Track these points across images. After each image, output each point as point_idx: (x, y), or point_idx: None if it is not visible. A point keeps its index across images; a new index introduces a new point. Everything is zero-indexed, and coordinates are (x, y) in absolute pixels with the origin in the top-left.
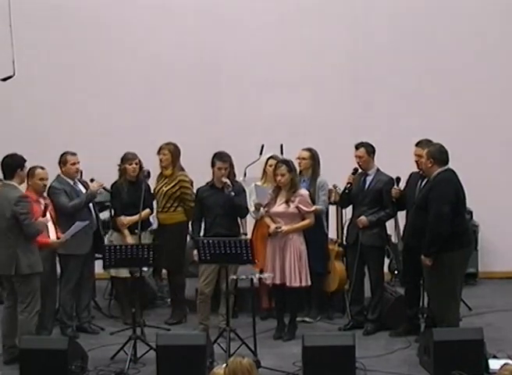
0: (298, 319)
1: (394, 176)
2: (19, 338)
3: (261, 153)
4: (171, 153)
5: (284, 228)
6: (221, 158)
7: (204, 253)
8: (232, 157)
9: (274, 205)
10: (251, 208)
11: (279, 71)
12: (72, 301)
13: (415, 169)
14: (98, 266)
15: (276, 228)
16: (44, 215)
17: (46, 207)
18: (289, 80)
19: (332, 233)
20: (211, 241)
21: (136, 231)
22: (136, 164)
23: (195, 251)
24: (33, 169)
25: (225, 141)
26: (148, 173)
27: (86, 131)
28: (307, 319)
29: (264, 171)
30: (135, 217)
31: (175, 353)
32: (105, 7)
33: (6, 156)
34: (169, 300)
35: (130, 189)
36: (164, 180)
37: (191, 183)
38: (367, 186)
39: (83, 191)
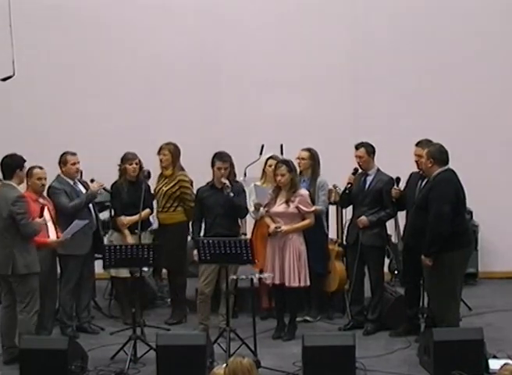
0: (299, 318)
1: (394, 176)
2: (19, 338)
3: (261, 153)
4: (171, 153)
5: (283, 228)
6: (221, 158)
7: (204, 253)
8: (232, 157)
9: (274, 205)
10: (251, 209)
11: (279, 71)
12: (72, 301)
13: (415, 169)
14: (98, 266)
15: (276, 228)
16: (40, 215)
17: (42, 208)
18: (289, 80)
19: (332, 233)
20: (211, 241)
21: (136, 231)
22: (136, 164)
23: (195, 251)
24: (31, 169)
25: (225, 141)
26: (148, 173)
27: (86, 131)
28: (307, 318)
29: (264, 171)
30: (135, 217)
31: (175, 353)
32: (105, 7)
33: (6, 156)
34: (169, 300)
35: (130, 189)
36: (164, 180)
37: (191, 183)
38: (367, 186)
39: (83, 191)
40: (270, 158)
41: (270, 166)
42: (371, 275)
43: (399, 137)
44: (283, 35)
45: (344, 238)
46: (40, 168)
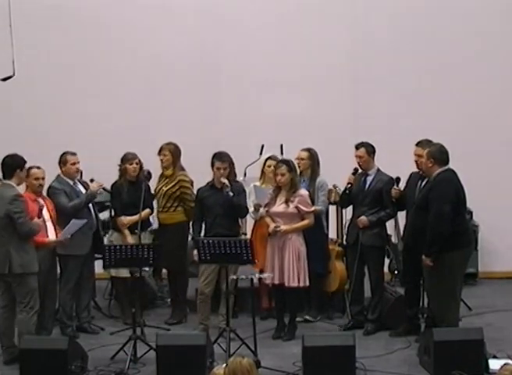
0: (299, 318)
1: (394, 176)
2: (19, 338)
3: (261, 153)
4: (171, 153)
5: (283, 228)
6: (220, 159)
7: (204, 253)
8: (232, 157)
9: (274, 205)
10: (250, 209)
11: (279, 71)
12: (72, 301)
13: (415, 169)
14: (98, 266)
15: (275, 228)
16: (39, 216)
17: (41, 209)
18: (289, 80)
19: (332, 233)
20: (211, 241)
21: (136, 231)
22: (136, 164)
23: (195, 251)
24: (29, 169)
25: (225, 141)
26: (148, 172)
27: (86, 131)
28: (307, 317)
29: (263, 172)
30: (135, 217)
31: (175, 353)
32: (105, 7)
33: (7, 156)
34: (169, 300)
35: (130, 189)
36: (164, 180)
37: (191, 183)
38: (367, 186)
39: (83, 191)
40: (269, 158)
41: (269, 166)
42: (371, 275)
43: (399, 137)
44: (283, 35)
45: (344, 238)
46: (38, 168)
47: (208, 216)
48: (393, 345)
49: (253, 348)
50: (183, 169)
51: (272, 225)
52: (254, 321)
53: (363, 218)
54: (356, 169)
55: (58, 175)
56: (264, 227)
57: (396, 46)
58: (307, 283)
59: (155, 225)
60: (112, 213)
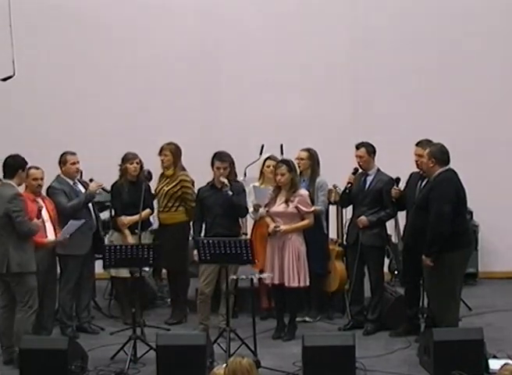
0: (298, 319)
1: (394, 176)
2: (16, 337)
3: (261, 153)
4: (172, 153)
5: (282, 228)
6: (220, 158)
7: (204, 253)
8: (232, 156)
9: (274, 205)
10: (250, 209)
11: (279, 71)
12: (72, 301)
13: (415, 169)
14: (98, 266)
15: (275, 228)
16: (38, 216)
17: (40, 209)
18: (289, 80)
19: (332, 233)
20: (211, 241)
21: (136, 231)
22: (137, 163)
23: (195, 251)
24: (28, 169)
25: (225, 141)
26: (149, 172)
27: (86, 131)
28: (307, 318)
29: (262, 172)
30: (135, 217)
31: (175, 353)
32: (105, 7)
33: (9, 156)
34: (169, 300)
35: (131, 189)
36: (165, 180)
37: (192, 183)
38: (367, 186)
39: (83, 191)
40: (268, 158)
41: (268, 166)
42: (371, 275)
43: (399, 137)
44: (283, 35)
45: (344, 238)
46: (37, 168)
47: (208, 216)
48: (393, 345)
49: (253, 348)
50: (183, 169)
51: (272, 225)
52: (254, 321)
53: (363, 218)
54: (356, 169)
55: (58, 175)
56: (264, 227)
57: (396, 46)
58: (307, 284)
59: (155, 225)
60: (113, 213)
